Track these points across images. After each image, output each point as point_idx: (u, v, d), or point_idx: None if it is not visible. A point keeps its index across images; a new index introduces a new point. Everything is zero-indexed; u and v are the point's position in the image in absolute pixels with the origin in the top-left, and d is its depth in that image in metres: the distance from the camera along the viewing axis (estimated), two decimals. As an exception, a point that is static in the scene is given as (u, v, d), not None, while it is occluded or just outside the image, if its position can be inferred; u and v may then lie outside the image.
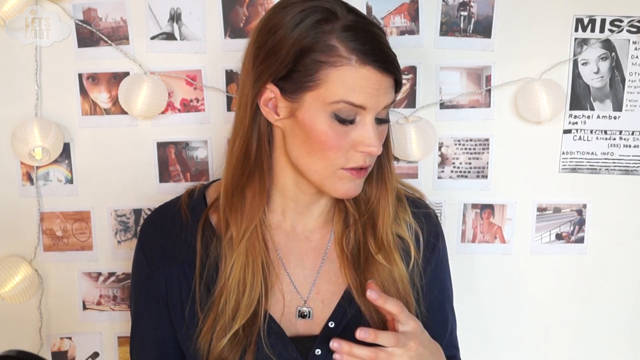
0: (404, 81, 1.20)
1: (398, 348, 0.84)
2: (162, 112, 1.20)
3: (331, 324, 0.96)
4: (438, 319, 1.04)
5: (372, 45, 0.84)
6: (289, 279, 0.98)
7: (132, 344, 1.06)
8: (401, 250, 0.98)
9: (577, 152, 1.25)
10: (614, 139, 1.24)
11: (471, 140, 1.24)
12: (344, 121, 0.86)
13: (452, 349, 1.07)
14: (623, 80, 1.22)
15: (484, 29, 1.19)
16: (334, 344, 0.83)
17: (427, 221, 1.03)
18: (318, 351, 0.94)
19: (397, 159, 1.23)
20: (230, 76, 1.20)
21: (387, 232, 0.97)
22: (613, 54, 1.21)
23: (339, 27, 0.84)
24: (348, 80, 0.84)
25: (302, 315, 0.97)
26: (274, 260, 0.97)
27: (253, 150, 0.92)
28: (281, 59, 0.85)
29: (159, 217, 1.02)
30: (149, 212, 1.24)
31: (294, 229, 1.00)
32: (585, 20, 1.19)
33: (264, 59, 0.87)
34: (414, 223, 1.01)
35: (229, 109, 1.21)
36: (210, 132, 1.22)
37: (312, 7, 0.85)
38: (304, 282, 0.99)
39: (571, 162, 1.25)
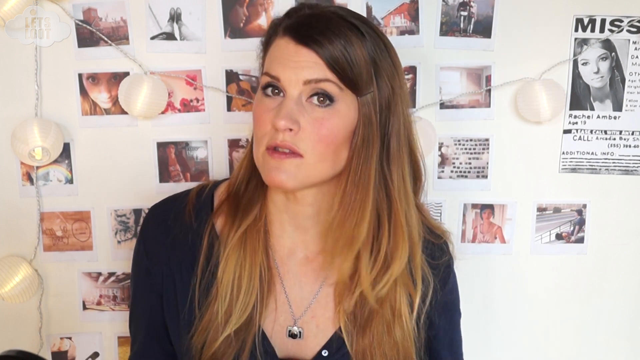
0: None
1: None
2: (162, 112, 1.20)
3: (324, 352, 0.94)
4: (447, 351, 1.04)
5: (299, 19, 0.85)
6: (285, 296, 0.96)
7: (130, 321, 1.06)
8: (408, 296, 0.94)
9: (577, 152, 1.25)
10: (614, 139, 1.24)
11: (471, 140, 1.24)
12: (269, 95, 0.86)
13: None
14: (623, 80, 1.22)
15: (484, 29, 1.19)
16: None
17: (444, 272, 1.00)
18: None
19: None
20: (230, 76, 1.20)
21: (392, 274, 0.91)
22: (613, 54, 1.21)
23: (293, 12, 0.88)
24: (272, 52, 0.86)
25: (291, 335, 0.95)
26: (273, 274, 0.95)
27: (249, 149, 0.94)
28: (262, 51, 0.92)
29: (164, 212, 1.00)
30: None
31: (294, 248, 0.97)
32: (585, 20, 1.19)
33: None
34: (428, 272, 0.96)
35: (229, 109, 1.21)
36: (210, 132, 1.22)
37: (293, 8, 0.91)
38: (299, 302, 0.96)
39: (571, 162, 1.25)
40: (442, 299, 1.00)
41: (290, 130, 0.83)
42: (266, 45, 0.89)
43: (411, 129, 0.93)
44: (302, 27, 0.84)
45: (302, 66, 0.83)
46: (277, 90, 0.85)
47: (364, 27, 0.86)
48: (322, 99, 0.84)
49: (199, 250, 0.94)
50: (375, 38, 0.87)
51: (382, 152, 0.88)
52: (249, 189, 0.94)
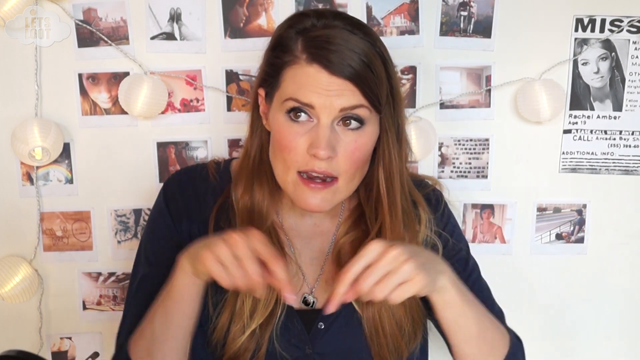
0: (403, 81, 1.20)
1: (393, 249, 0.79)
2: (162, 112, 1.20)
3: None
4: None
5: (324, 44, 0.84)
6: (295, 262, 0.98)
7: (130, 299, 1.00)
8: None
9: (577, 152, 1.25)
10: (614, 139, 1.24)
11: (471, 140, 1.24)
12: (296, 120, 0.86)
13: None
14: (623, 80, 1.22)
15: (484, 29, 1.19)
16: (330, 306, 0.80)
17: (434, 209, 1.03)
18: (321, 325, 0.95)
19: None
20: (230, 76, 1.20)
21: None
22: (613, 54, 1.21)
23: (303, 29, 0.86)
24: (297, 78, 0.85)
25: (306, 303, 0.97)
26: (286, 251, 0.97)
27: (252, 155, 0.95)
28: (263, 61, 0.91)
29: (187, 175, 1.01)
30: (149, 212, 1.24)
31: (303, 216, 1.00)
32: (585, 21, 1.19)
33: (260, 63, 0.93)
34: (432, 220, 1.00)
35: (229, 109, 1.21)
36: (210, 132, 1.22)
37: (294, 17, 0.90)
38: (310, 264, 0.99)
39: (571, 162, 1.25)
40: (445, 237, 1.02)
41: (329, 157, 0.85)
42: (277, 65, 0.88)
43: (402, 112, 0.97)
44: (331, 54, 0.83)
45: (337, 94, 0.84)
46: (299, 113, 0.86)
47: (373, 42, 0.87)
48: (349, 122, 0.86)
49: (211, 219, 0.96)
50: (384, 50, 0.89)
51: (400, 157, 0.94)
52: (256, 198, 0.95)
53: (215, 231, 0.94)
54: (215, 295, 0.94)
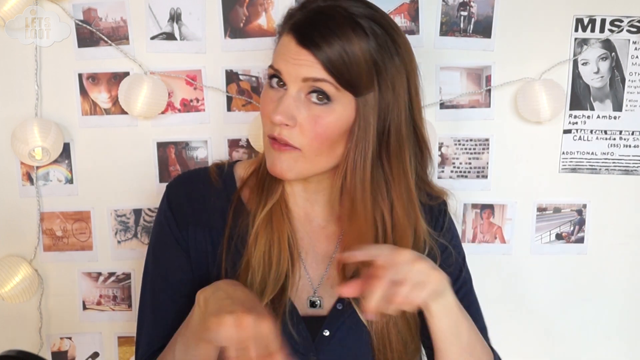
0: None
1: (402, 255, 0.79)
2: (162, 112, 1.20)
3: (339, 306, 0.97)
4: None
5: (302, 18, 0.87)
6: (302, 263, 0.99)
7: (143, 304, 1.01)
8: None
9: (577, 152, 1.25)
10: (614, 139, 1.24)
11: (471, 140, 1.24)
12: (273, 87, 0.89)
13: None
14: (623, 80, 1.22)
15: (484, 29, 1.19)
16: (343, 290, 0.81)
17: (437, 220, 1.03)
18: (326, 332, 0.95)
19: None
20: (230, 76, 1.20)
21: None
22: (613, 54, 1.21)
23: (299, 6, 0.90)
24: (279, 47, 0.89)
25: (312, 305, 0.98)
26: (295, 239, 0.98)
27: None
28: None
29: (189, 179, 1.02)
30: (149, 212, 1.24)
31: (308, 215, 1.00)
32: (585, 20, 1.19)
33: None
34: (433, 244, 0.99)
35: (229, 109, 1.21)
36: (210, 132, 1.22)
37: None
38: (315, 267, 0.99)
39: (571, 162, 1.25)
40: (445, 251, 1.01)
41: (287, 125, 0.86)
42: (279, 36, 0.92)
43: (420, 119, 0.95)
44: (304, 27, 0.86)
45: (300, 64, 0.85)
46: (281, 83, 0.88)
47: (370, 26, 0.86)
48: (320, 96, 0.86)
49: (227, 214, 0.97)
50: (381, 36, 0.87)
51: (380, 148, 0.90)
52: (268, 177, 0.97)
53: (230, 239, 0.95)
54: (231, 273, 0.95)
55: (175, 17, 1.18)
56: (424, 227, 0.98)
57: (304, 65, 0.85)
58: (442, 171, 1.25)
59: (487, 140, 1.24)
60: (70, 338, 1.29)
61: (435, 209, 1.03)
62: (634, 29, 1.20)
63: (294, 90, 0.86)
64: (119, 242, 1.25)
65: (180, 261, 0.98)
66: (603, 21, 1.19)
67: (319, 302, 0.98)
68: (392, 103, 0.89)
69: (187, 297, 0.96)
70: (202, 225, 0.97)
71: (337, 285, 0.97)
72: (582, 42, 1.20)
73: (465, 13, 1.19)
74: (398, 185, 0.92)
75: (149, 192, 1.23)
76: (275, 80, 0.89)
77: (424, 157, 0.98)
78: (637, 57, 1.21)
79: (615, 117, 1.23)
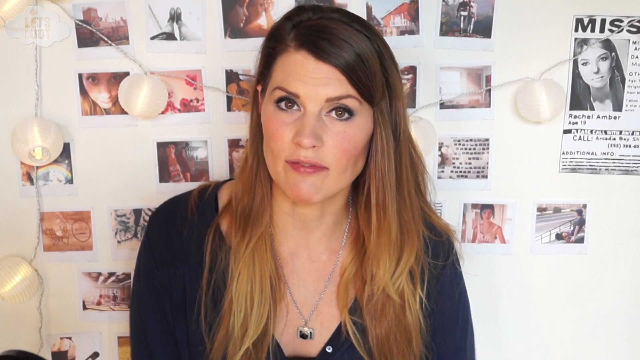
0: (403, 81, 1.20)
1: None
2: (162, 112, 1.20)
3: (329, 349, 0.95)
4: (452, 349, 1.03)
5: (314, 32, 0.83)
6: (291, 297, 0.97)
7: (132, 337, 1.03)
8: (411, 285, 0.95)
9: (577, 152, 1.25)
10: (614, 139, 1.24)
11: (471, 140, 1.24)
12: (283, 109, 0.85)
13: None
14: (623, 80, 1.22)
15: (484, 29, 1.19)
16: None
17: (445, 275, 1.01)
18: None
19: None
20: (230, 76, 1.20)
21: (407, 264, 0.94)
22: (613, 54, 1.21)
23: (299, 21, 0.86)
24: (286, 66, 0.84)
25: (303, 336, 0.96)
26: (280, 275, 0.96)
27: (250, 157, 0.93)
28: (260, 56, 0.91)
29: (168, 211, 1.00)
30: (149, 212, 1.24)
31: (298, 248, 0.98)
32: (585, 20, 1.19)
33: (256, 63, 0.92)
34: (426, 268, 0.97)
35: (229, 109, 1.21)
36: (210, 132, 1.22)
37: (293, 9, 0.89)
38: (304, 302, 0.97)
39: (571, 162, 1.25)
40: (436, 305, 0.99)
41: (313, 147, 0.83)
42: (273, 55, 0.87)
43: (408, 130, 0.95)
44: (320, 41, 0.82)
45: (323, 83, 0.82)
46: (291, 103, 0.85)
47: (371, 36, 0.86)
48: (340, 112, 0.85)
49: (205, 249, 0.94)
50: (382, 46, 0.87)
51: (397, 157, 0.91)
52: (256, 200, 0.93)
53: (209, 279, 0.93)
54: (211, 313, 0.93)
55: (175, 17, 1.18)
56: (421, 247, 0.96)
57: (328, 84, 0.82)
58: (442, 171, 1.25)
59: (487, 140, 1.24)
60: (70, 338, 1.29)
61: (440, 246, 1.01)
62: (634, 29, 1.20)
63: (316, 109, 0.83)
64: (119, 242, 1.25)
65: (160, 304, 0.98)
66: (603, 21, 1.19)
67: (309, 332, 0.96)
68: (399, 109, 0.90)
69: (172, 337, 0.98)
70: (180, 263, 0.96)
71: (326, 323, 0.96)
72: (582, 42, 1.20)
73: (465, 13, 1.19)
74: (404, 191, 0.92)
75: (149, 192, 1.23)
76: (284, 102, 0.85)
77: (417, 164, 0.98)
78: (637, 57, 1.21)
79: (615, 117, 1.23)
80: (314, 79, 0.82)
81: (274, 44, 0.87)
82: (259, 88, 0.91)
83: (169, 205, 1.01)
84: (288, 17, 0.88)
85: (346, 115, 0.85)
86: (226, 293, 0.93)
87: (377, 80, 0.85)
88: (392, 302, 0.94)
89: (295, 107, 0.84)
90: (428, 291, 0.98)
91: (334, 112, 0.85)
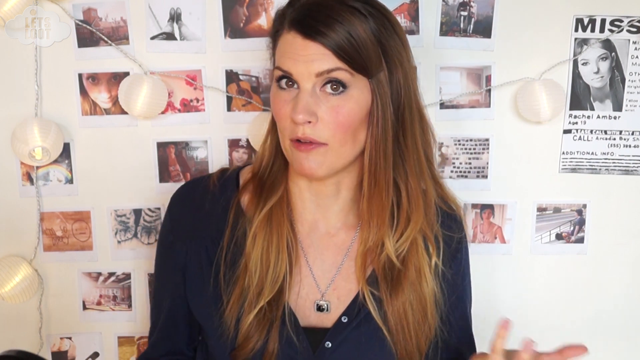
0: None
1: None
2: (162, 112, 1.20)
3: (344, 319, 0.96)
4: (458, 316, 1.04)
5: (302, 11, 0.86)
6: (309, 269, 0.99)
7: (151, 308, 1.08)
8: (427, 256, 0.97)
9: (577, 152, 1.25)
10: (614, 139, 1.24)
11: (471, 140, 1.24)
12: (283, 88, 0.88)
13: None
14: (623, 80, 1.22)
15: (484, 29, 1.19)
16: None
17: (455, 247, 1.02)
18: (328, 344, 0.95)
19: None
20: (230, 76, 1.20)
21: (411, 233, 0.95)
22: (613, 54, 1.21)
23: (295, 1, 0.88)
24: (281, 46, 0.88)
25: (319, 309, 0.97)
26: (297, 245, 0.98)
27: (272, 132, 0.96)
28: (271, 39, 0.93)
29: (191, 189, 1.02)
30: (149, 212, 1.24)
31: (316, 223, 0.99)
32: (585, 20, 1.19)
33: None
34: (441, 239, 1.00)
35: (229, 109, 1.21)
36: (210, 132, 1.22)
37: None
38: (322, 276, 0.99)
39: (571, 162, 1.25)
40: (449, 276, 1.01)
41: (309, 122, 0.86)
42: (275, 37, 0.91)
43: (419, 100, 0.96)
44: (306, 19, 0.85)
45: (311, 59, 0.85)
46: (291, 82, 0.88)
47: (365, 8, 0.87)
48: (335, 86, 0.86)
49: (226, 222, 0.97)
50: (379, 17, 0.88)
51: (397, 126, 0.91)
52: (273, 170, 0.97)
53: (229, 242, 0.96)
54: (228, 271, 0.95)
55: (175, 17, 1.18)
56: (434, 198, 0.99)
57: (315, 60, 0.84)
58: (442, 171, 1.25)
59: (487, 140, 1.24)
60: (70, 338, 1.29)
61: (453, 219, 1.03)
62: (634, 29, 1.20)
63: (308, 86, 0.86)
64: (119, 242, 1.25)
65: (176, 281, 1.00)
66: (603, 21, 1.19)
67: (326, 305, 0.97)
68: (402, 80, 0.90)
69: (188, 310, 1.01)
70: (201, 236, 0.98)
71: (343, 297, 0.98)
72: (582, 42, 1.20)
73: (465, 13, 1.19)
74: (411, 159, 0.93)
75: (149, 192, 1.23)
76: (284, 81, 0.88)
77: (427, 134, 0.99)
78: (637, 57, 1.21)
79: (615, 117, 1.23)
80: (303, 56, 0.85)
81: (277, 26, 0.90)
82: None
83: (190, 184, 1.05)
84: (290, 1, 0.90)
85: (340, 88, 0.86)
86: (242, 256, 0.95)
87: (371, 53, 0.86)
88: (407, 273, 0.96)
89: (294, 85, 0.87)
90: (443, 262, 1.00)
91: (328, 87, 0.86)
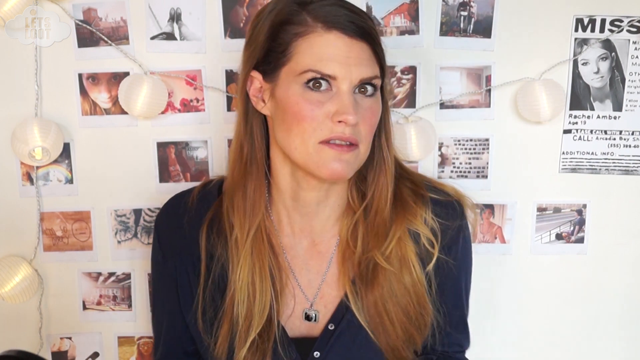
0: (403, 81, 1.20)
1: None
2: (162, 112, 1.20)
3: (330, 326, 0.96)
4: (451, 304, 1.03)
5: (338, 10, 0.85)
6: (297, 282, 0.98)
7: (153, 324, 1.08)
8: (416, 246, 0.96)
9: (577, 152, 1.25)
10: (614, 139, 1.24)
11: (471, 140, 1.24)
12: (317, 89, 0.86)
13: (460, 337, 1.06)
14: (623, 80, 1.22)
15: (484, 29, 1.19)
16: None
17: (452, 236, 1.00)
18: (317, 354, 0.95)
19: (397, 159, 1.23)
20: (230, 76, 1.20)
21: (395, 234, 0.94)
22: (613, 54, 1.21)
23: (311, 3, 0.87)
24: (315, 48, 0.85)
25: (308, 318, 0.97)
26: (281, 263, 0.97)
27: (246, 145, 0.93)
28: (260, 41, 0.89)
29: (173, 204, 1.03)
30: (149, 212, 1.24)
31: (301, 231, 0.99)
32: (585, 20, 1.19)
33: (247, 48, 0.92)
34: (432, 220, 0.98)
35: (229, 109, 1.21)
36: (210, 132, 1.22)
37: None
38: (308, 285, 0.99)
39: (571, 162, 1.25)
40: (444, 263, 0.99)
41: (356, 122, 0.86)
42: (285, 39, 0.86)
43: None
44: (349, 17, 0.85)
45: (357, 63, 0.85)
46: (318, 84, 0.86)
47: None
48: (365, 90, 0.88)
49: (202, 242, 0.96)
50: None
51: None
52: (249, 191, 0.94)
53: (207, 268, 0.95)
54: (211, 308, 0.95)
55: (175, 17, 1.18)
56: (420, 213, 0.97)
57: (362, 65, 0.85)
58: (442, 171, 1.25)
59: (487, 140, 1.24)
60: (70, 338, 1.29)
61: (448, 204, 1.01)
62: (634, 29, 1.20)
63: (350, 88, 0.85)
64: (119, 242, 1.25)
65: (170, 296, 1.01)
66: (603, 21, 1.19)
67: (314, 315, 0.97)
68: (389, 85, 0.96)
69: (182, 328, 1.01)
70: (184, 254, 0.98)
71: (329, 305, 0.97)
72: (582, 42, 1.20)
73: (465, 13, 1.19)
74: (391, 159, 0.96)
75: (149, 192, 1.23)
76: (312, 82, 0.86)
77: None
78: (637, 57, 1.21)
79: (615, 117, 1.23)
80: (347, 58, 0.84)
81: (288, 27, 0.86)
82: (255, 74, 0.91)
83: (173, 200, 1.04)
84: (295, 1, 0.88)
85: (372, 90, 0.88)
86: (227, 286, 0.94)
87: (384, 54, 0.90)
88: (385, 269, 0.94)
89: (324, 86, 0.86)
90: (438, 249, 0.98)
91: (367, 87, 0.88)
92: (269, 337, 0.93)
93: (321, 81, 0.85)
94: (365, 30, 0.85)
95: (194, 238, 0.97)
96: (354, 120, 0.84)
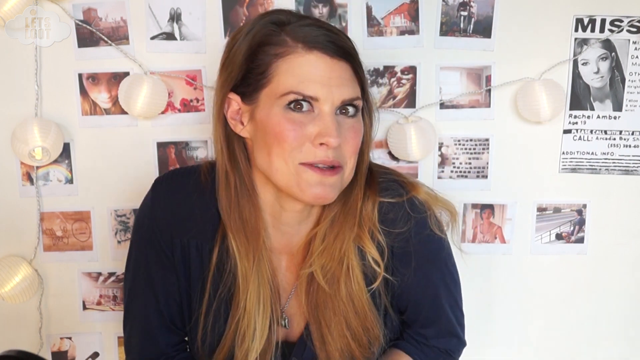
0: (403, 81, 1.20)
1: None
2: (162, 112, 1.20)
3: (305, 334, 0.97)
4: (430, 308, 1.00)
5: (317, 30, 0.84)
6: (278, 297, 0.98)
7: (128, 319, 1.01)
8: (362, 264, 0.93)
9: (577, 152, 1.25)
10: (614, 139, 1.24)
11: (471, 140, 1.24)
12: (298, 110, 0.84)
13: (448, 335, 1.04)
14: (623, 80, 1.22)
15: (484, 29, 1.19)
16: None
17: (404, 234, 0.95)
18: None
19: (397, 159, 1.23)
20: (230, 76, 1.20)
21: (335, 253, 0.93)
22: (613, 54, 1.21)
23: (289, 24, 0.85)
24: (296, 69, 0.83)
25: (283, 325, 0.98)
26: (277, 289, 0.97)
27: (233, 173, 0.91)
28: (237, 63, 0.86)
29: (177, 178, 0.97)
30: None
31: (280, 247, 0.97)
32: (585, 20, 1.19)
33: (224, 70, 0.89)
34: (380, 236, 0.94)
35: (229, 109, 1.21)
36: (210, 132, 1.20)
37: (266, 14, 0.89)
38: (283, 295, 0.98)
39: (571, 162, 1.25)
40: (403, 255, 0.95)
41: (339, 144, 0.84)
42: (264, 60, 0.85)
43: None
44: (329, 38, 0.84)
45: (338, 83, 0.84)
46: (299, 105, 0.84)
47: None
48: (352, 109, 0.87)
49: (217, 231, 0.94)
50: None
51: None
52: (245, 213, 0.92)
53: (217, 265, 0.94)
54: (211, 321, 0.95)
55: (175, 17, 1.18)
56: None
57: (343, 85, 0.84)
58: (442, 171, 1.25)
59: (487, 140, 1.24)
60: (70, 338, 1.29)
61: (401, 216, 0.94)
62: (634, 29, 1.20)
63: (332, 109, 0.84)
64: (119, 242, 1.25)
65: (167, 276, 0.96)
66: (603, 21, 1.19)
67: (284, 323, 0.98)
68: (368, 101, 0.93)
69: (177, 304, 0.98)
70: (191, 233, 0.94)
71: (299, 311, 0.97)
72: (582, 42, 1.20)
73: (465, 13, 1.19)
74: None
75: (149, 192, 1.23)
76: (293, 104, 0.84)
77: None
78: (637, 57, 1.21)
79: (615, 117, 1.23)
80: (329, 79, 0.83)
81: (266, 49, 0.85)
82: (233, 96, 0.88)
83: (176, 173, 0.99)
84: (264, 23, 0.86)
85: (353, 110, 0.87)
86: (232, 305, 0.94)
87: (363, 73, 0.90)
88: (317, 282, 0.94)
89: (306, 108, 0.84)
90: (389, 257, 0.95)
91: (349, 109, 0.87)
92: (266, 357, 0.94)
93: (302, 102, 0.83)
94: (345, 49, 0.84)
95: (204, 221, 0.94)
96: (336, 142, 0.83)
